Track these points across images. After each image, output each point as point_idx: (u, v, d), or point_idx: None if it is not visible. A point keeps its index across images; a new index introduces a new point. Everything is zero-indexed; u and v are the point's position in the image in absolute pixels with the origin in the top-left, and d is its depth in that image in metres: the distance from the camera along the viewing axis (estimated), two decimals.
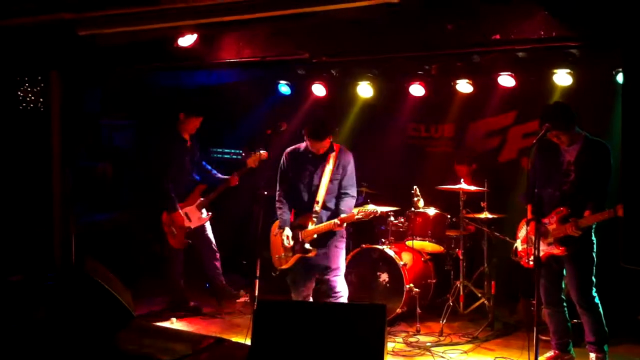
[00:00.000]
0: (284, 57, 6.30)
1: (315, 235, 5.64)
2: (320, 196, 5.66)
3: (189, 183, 7.06)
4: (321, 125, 5.66)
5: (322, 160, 5.73)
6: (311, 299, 5.90)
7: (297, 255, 5.70)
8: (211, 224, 7.29)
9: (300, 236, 5.66)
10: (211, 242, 7.17)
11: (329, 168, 5.68)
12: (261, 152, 6.59)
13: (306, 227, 5.67)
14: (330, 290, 5.75)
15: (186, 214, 6.94)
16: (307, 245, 5.62)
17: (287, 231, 5.69)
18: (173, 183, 6.90)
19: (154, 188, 7.03)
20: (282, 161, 5.88)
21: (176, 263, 7.03)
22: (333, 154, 5.72)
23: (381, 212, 5.92)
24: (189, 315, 6.90)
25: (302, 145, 5.84)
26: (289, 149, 5.88)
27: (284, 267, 5.81)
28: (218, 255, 7.20)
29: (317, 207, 5.66)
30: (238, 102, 8.47)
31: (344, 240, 5.87)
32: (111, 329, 5.01)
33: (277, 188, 5.87)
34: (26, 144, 5.98)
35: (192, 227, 6.96)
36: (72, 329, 4.73)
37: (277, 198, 5.85)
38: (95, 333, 4.83)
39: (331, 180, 5.69)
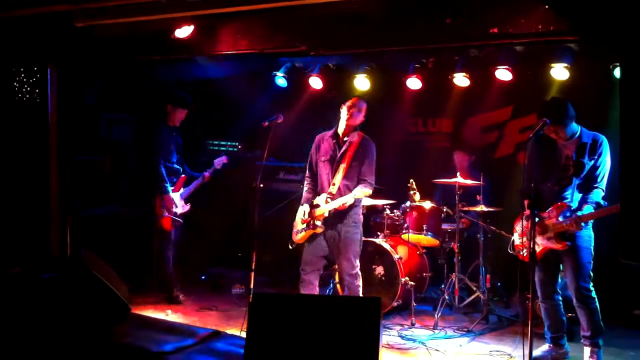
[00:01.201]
0: (282, 49, 6.30)
1: (326, 214, 5.83)
2: (338, 179, 5.86)
3: (175, 171, 7.28)
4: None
5: (344, 145, 5.93)
6: (317, 286, 6.02)
7: (310, 232, 5.88)
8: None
9: (313, 214, 5.85)
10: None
11: (349, 153, 5.88)
12: (223, 157, 7.55)
13: (319, 206, 5.86)
14: (340, 272, 6.13)
15: (173, 200, 7.17)
16: (317, 222, 5.83)
17: (305, 207, 5.94)
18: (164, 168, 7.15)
19: (148, 173, 7.21)
20: (313, 145, 6.14)
21: (166, 248, 7.19)
22: (355, 141, 5.92)
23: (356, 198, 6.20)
24: (184, 307, 6.93)
25: (330, 132, 6.07)
26: (318, 135, 6.15)
27: (298, 241, 6.00)
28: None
29: (332, 189, 5.86)
30: (235, 95, 8.46)
31: (358, 226, 5.97)
32: (107, 322, 5.01)
33: (306, 169, 6.19)
34: (22, 137, 5.95)
35: (178, 213, 7.21)
36: (67, 322, 4.73)
37: (305, 177, 6.19)
38: (91, 325, 4.83)
39: (349, 165, 5.87)
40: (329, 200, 5.82)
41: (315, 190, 6.03)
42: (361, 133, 6.00)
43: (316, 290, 5.97)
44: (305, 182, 6.13)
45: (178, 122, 7.33)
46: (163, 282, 7.22)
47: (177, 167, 7.30)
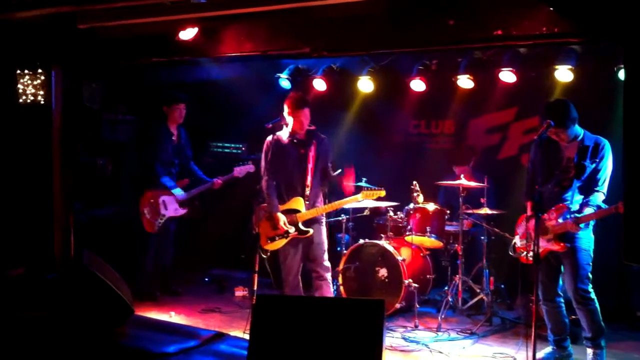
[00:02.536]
0: (285, 51, 6.30)
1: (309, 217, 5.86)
2: (310, 180, 5.86)
3: (171, 174, 7.22)
4: (300, 96, 6.01)
5: (306, 145, 5.90)
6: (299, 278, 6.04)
7: (291, 237, 5.84)
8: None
9: (296, 219, 5.83)
10: (171, 238, 7.38)
11: (312, 154, 5.87)
12: (249, 165, 7.17)
13: (299, 210, 5.84)
14: (317, 269, 5.92)
15: (164, 202, 7.09)
16: (303, 227, 5.82)
17: (282, 216, 5.82)
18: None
19: (141, 172, 7.22)
20: (265, 149, 5.90)
21: (147, 247, 7.14)
22: (315, 140, 5.92)
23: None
24: (187, 308, 6.92)
25: (284, 133, 5.95)
26: (271, 138, 5.87)
27: (275, 248, 5.92)
28: (172, 251, 7.45)
29: (307, 191, 5.85)
30: (238, 96, 8.46)
31: (324, 222, 6.06)
32: (110, 323, 5.02)
33: (264, 175, 5.91)
34: (26, 138, 5.96)
35: (167, 215, 7.12)
36: (71, 322, 4.74)
37: (264, 185, 5.89)
38: (94, 326, 4.84)
39: (315, 165, 5.89)
40: (306, 202, 5.83)
41: (276, 195, 5.89)
42: (314, 129, 5.97)
43: (302, 291, 6.01)
44: (267, 187, 5.84)
45: (181, 118, 7.25)
46: (141, 281, 7.10)
47: (173, 170, 7.25)
